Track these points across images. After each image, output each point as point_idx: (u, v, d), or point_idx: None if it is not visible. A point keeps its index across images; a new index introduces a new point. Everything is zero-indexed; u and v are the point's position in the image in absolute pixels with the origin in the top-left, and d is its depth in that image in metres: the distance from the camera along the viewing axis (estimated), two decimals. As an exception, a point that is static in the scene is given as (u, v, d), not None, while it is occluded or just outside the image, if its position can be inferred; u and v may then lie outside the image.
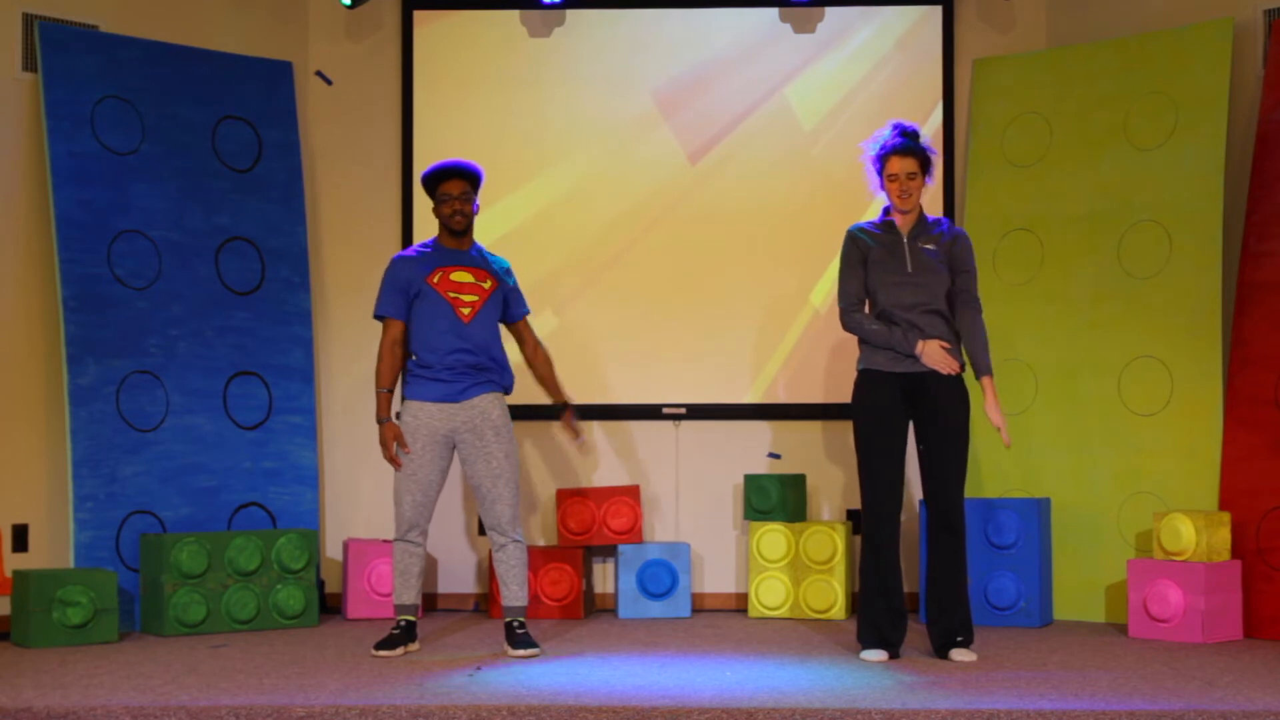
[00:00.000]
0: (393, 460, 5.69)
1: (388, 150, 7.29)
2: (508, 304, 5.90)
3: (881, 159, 5.54)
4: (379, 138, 7.30)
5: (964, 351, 5.57)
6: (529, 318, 6.00)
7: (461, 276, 5.76)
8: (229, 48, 6.96)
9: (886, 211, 5.63)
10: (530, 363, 6.01)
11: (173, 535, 6.29)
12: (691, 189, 7.21)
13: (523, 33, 7.26)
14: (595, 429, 7.18)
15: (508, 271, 5.92)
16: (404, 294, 5.74)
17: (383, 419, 5.70)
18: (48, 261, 6.40)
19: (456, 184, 5.77)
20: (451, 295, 5.72)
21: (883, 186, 5.56)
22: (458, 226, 5.78)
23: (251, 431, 6.80)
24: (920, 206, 5.62)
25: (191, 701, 4.61)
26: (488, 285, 5.79)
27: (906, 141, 5.53)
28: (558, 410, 6.00)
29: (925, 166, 5.55)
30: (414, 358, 5.75)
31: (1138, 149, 6.68)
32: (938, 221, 5.64)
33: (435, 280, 5.73)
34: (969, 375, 5.58)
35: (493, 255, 5.94)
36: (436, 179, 5.80)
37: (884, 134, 5.58)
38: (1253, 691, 4.76)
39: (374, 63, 7.31)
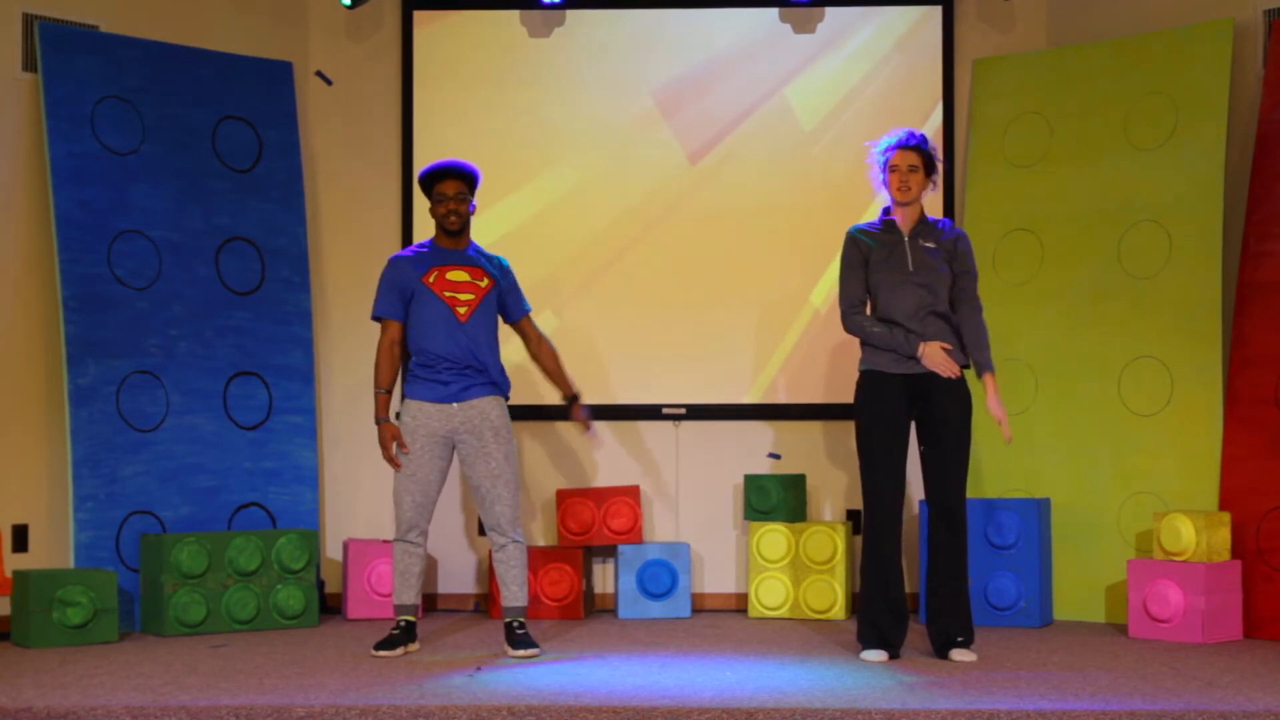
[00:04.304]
0: (392, 461, 5.69)
1: (388, 150, 7.29)
2: (506, 304, 5.89)
3: (885, 154, 5.56)
4: (379, 138, 7.30)
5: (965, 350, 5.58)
6: (531, 315, 6.00)
7: (458, 275, 5.76)
8: (229, 48, 6.96)
9: (886, 212, 5.63)
10: (536, 358, 6.01)
11: (173, 535, 6.29)
12: (691, 189, 7.21)
13: (523, 33, 7.26)
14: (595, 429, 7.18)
15: (505, 270, 5.91)
16: (401, 295, 5.74)
17: (381, 419, 5.70)
18: (48, 261, 6.40)
19: (452, 184, 5.77)
20: (448, 295, 5.72)
21: (885, 183, 5.58)
22: (452, 226, 5.77)
23: (251, 431, 6.80)
24: (921, 208, 5.62)
25: (191, 701, 4.61)
26: (484, 284, 5.79)
27: (912, 139, 5.55)
28: (567, 403, 5.99)
29: (928, 165, 5.56)
30: (413, 358, 5.76)
31: (1138, 149, 6.68)
32: (938, 221, 5.65)
33: (431, 280, 5.72)
34: (971, 374, 5.59)
35: (490, 254, 5.94)
36: (432, 179, 5.79)
37: (891, 137, 5.60)
38: (1253, 691, 4.77)
39: (374, 63, 7.31)
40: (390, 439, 5.68)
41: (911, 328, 5.49)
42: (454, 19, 7.27)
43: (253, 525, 6.73)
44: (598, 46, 7.25)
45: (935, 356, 5.47)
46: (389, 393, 5.73)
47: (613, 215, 7.21)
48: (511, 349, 6.05)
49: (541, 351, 5.98)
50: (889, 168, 5.55)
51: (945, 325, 5.55)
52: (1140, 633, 6.05)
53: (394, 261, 5.82)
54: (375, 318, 5.79)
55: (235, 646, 5.89)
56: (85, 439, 6.30)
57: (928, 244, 5.55)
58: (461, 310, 5.71)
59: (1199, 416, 6.37)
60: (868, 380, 5.57)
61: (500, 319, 5.90)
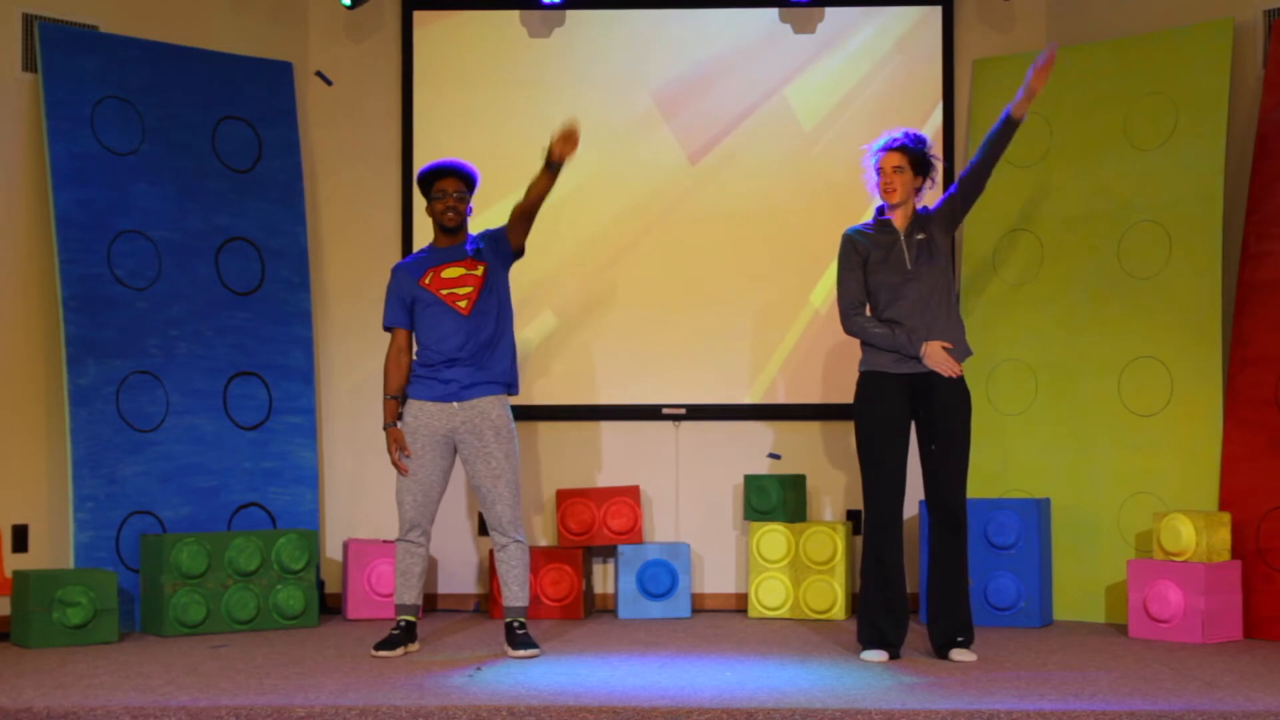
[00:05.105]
0: (397, 465, 5.70)
1: (388, 150, 7.29)
2: (505, 250, 5.79)
3: (874, 156, 5.58)
4: (379, 138, 7.30)
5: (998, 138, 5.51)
6: (507, 225, 5.82)
7: (452, 272, 5.77)
8: (229, 48, 6.95)
9: (880, 211, 5.64)
10: (528, 199, 5.73)
11: (173, 535, 6.29)
12: (691, 189, 7.21)
13: (523, 33, 7.26)
14: (595, 429, 7.18)
15: (484, 245, 5.83)
16: (402, 303, 5.80)
17: (387, 425, 5.74)
18: (48, 261, 6.40)
19: (451, 182, 5.78)
20: (445, 293, 5.73)
21: (876, 185, 5.59)
22: (450, 223, 5.78)
23: (251, 431, 6.80)
24: (914, 206, 5.62)
25: (191, 701, 4.61)
26: (479, 272, 5.79)
27: (900, 139, 5.55)
28: (556, 161, 5.66)
29: (917, 165, 5.55)
30: (416, 359, 5.77)
31: (1138, 149, 6.68)
32: (921, 210, 5.65)
33: (427, 282, 5.75)
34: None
35: (476, 234, 5.88)
36: (432, 176, 5.81)
37: (881, 139, 5.61)
38: (1253, 692, 4.77)
39: (374, 63, 7.31)
40: (395, 444, 5.70)
41: (915, 326, 5.49)
42: (454, 19, 7.27)
43: (253, 525, 6.72)
44: (598, 46, 7.24)
45: (937, 356, 5.47)
46: (396, 399, 5.77)
47: (613, 215, 7.21)
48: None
49: (523, 201, 5.75)
50: (877, 170, 5.57)
51: (947, 321, 5.55)
52: (1140, 633, 6.05)
53: (395, 271, 5.89)
54: (386, 328, 5.86)
55: (235, 646, 5.89)
56: (85, 439, 6.30)
57: (920, 235, 5.56)
58: (462, 304, 5.72)
59: (1199, 416, 6.37)
60: (868, 381, 5.57)
61: (516, 247, 5.83)
